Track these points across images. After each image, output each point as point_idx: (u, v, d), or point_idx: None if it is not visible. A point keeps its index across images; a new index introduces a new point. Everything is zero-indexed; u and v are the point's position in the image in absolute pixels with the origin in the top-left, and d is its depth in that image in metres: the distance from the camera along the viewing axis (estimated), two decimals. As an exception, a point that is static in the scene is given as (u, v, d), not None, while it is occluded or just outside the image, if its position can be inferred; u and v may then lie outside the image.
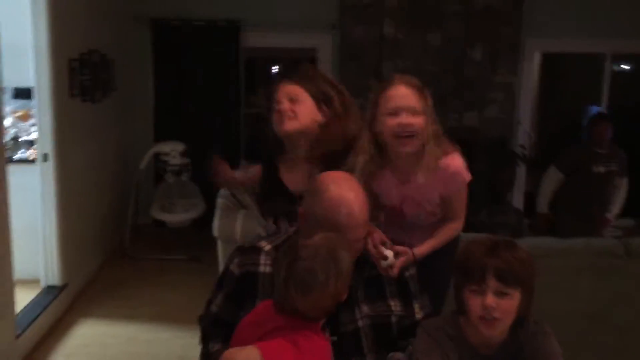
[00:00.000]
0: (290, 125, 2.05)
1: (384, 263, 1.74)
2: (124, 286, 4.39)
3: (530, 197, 5.88)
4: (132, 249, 4.98)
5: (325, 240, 1.49)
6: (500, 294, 1.52)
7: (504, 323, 1.56)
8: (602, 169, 4.54)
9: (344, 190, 1.62)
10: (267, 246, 1.71)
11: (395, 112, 1.90)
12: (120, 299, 4.17)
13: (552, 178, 4.70)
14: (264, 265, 1.68)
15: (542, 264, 2.85)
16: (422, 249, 1.96)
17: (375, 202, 1.87)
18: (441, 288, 2.00)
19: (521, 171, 5.82)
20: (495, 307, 1.52)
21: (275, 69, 6.79)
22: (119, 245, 5.03)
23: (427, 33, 5.52)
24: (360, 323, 1.67)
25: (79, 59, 4.15)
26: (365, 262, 1.74)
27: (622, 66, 6.56)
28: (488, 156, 5.65)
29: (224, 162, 2.40)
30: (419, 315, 1.75)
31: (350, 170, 1.88)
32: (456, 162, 2.00)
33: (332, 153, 2.03)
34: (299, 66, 2.19)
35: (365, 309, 1.69)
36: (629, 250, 2.90)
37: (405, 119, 1.89)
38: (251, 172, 2.40)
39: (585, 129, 4.84)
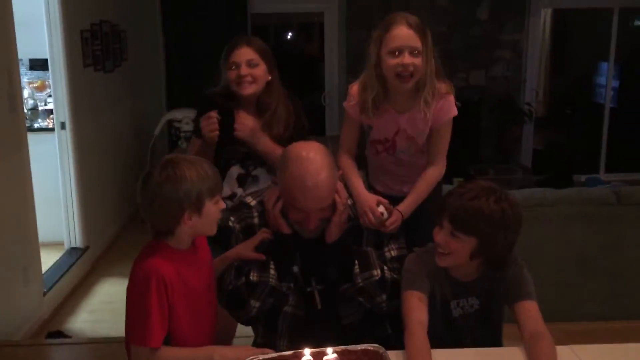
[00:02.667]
0: (249, 89, 2.26)
1: (377, 220, 1.89)
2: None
3: (538, 154, 5.96)
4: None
5: (184, 160, 1.56)
6: (452, 235, 1.67)
7: (454, 259, 1.70)
8: None
9: (306, 163, 1.71)
10: (252, 201, 1.91)
11: (397, 52, 1.98)
12: (140, 259, 4.37)
13: None
14: (257, 218, 1.87)
15: (536, 213, 3.01)
16: (407, 205, 2.06)
17: (366, 137, 1.98)
18: (426, 230, 2.14)
19: (529, 129, 5.88)
20: (443, 244, 1.69)
21: (289, 35, 6.85)
22: (137, 210, 5.21)
23: (433, -6, 5.54)
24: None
25: (90, 29, 4.29)
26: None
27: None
28: (495, 115, 5.72)
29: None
30: (393, 253, 1.87)
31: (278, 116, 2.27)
32: (449, 98, 2.08)
33: (275, 106, 2.31)
34: (251, 36, 2.48)
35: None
36: (620, 198, 3.00)
37: (406, 59, 1.97)
38: None
39: None
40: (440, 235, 1.69)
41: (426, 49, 2.00)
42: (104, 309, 3.68)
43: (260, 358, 1.44)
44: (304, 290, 1.81)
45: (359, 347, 1.48)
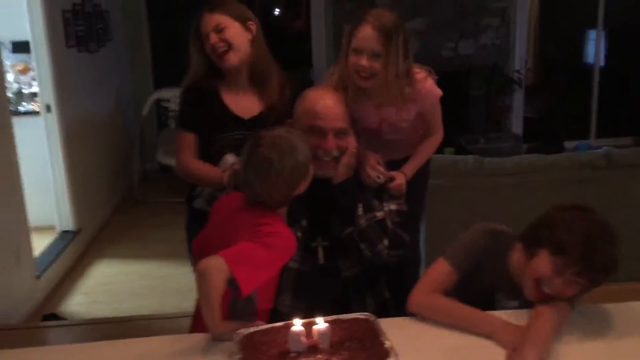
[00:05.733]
0: (232, 59, 2.07)
1: (379, 179, 1.91)
2: (135, 229, 4.59)
3: (529, 122, 5.95)
4: (141, 194, 5.16)
5: (285, 132, 1.64)
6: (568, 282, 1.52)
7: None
8: None
9: (322, 91, 1.93)
10: None
11: (358, 51, 1.99)
12: (133, 240, 4.38)
13: None
14: None
15: (527, 179, 3.01)
16: (410, 166, 2.14)
17: (354, 126, 1.97)
18: (419, 193, 2.26)
19: (519, 97, 5.85)
20: (557, 292, 1.53)
21: (276, 11, 6.76)
22: (129, 191, 5.21)
23: (420, -38, 5.47)
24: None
25: (72, 10, 4.21)
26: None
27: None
28: (484, 84, 5.69)
29: None
30: (392, 207, 1.90)
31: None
32: (426, 84, 2.09)
33: (268, 70, 2.14)
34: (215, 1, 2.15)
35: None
36: (610, 161, 3.00)
37: (364, 60, 1.97)
38: None
39: None
40: (557, 284, 1.51)
41: (394, 50, 1.97)
42: (99, 290, 3.69)
43: (252, 330, 1.44)
44: (309, 245, 1.84)
45: (350, 316, 1.48)
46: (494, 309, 1.65)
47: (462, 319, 1.55)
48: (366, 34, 1.97)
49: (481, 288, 1.66)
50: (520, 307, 1.64)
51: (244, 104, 2.15)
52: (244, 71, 2.13)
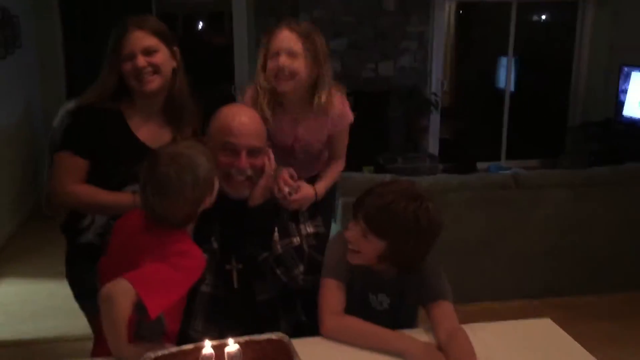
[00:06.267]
0: (153, 84, 1.87)
1: (292, 195, 1.88)
2: (42, 245, 4.33)
3: (445, 143, 6.16)
4: (51, 209, 4.90)
5: (185, 148, 1.57)
6: (363, 234, 1.63)
7: (363, 258, 1.66)
8: None
9: (237, 108, 1.87)
10: None
11: (276, 54, 2.00)
12: (40, 257, 4.13)
13: None
14: None
15: (442, 198, 3.10)
16: (321, 187, 2.14)
17: (268, 142, 1.96)
18: (327, 215, 2.29)
19: (435, 118, 6.05)
20: (353, 241, 1.65)
21: (200, 25, 6.69)
22: (37, 206, 4.94)
23: (341, -16, 5.57)
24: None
25: (-22, 13, 3.99)
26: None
27: (540, 16, 6.83)
28: (403, 105, 5.83)
29: None
30: (310, 229, 1.89)
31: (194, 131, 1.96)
32: (342, 103, 2.14)
33: (186, 104, 1.95)
34: (141, 15, 1.92)
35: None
36: (518, 182, 3.14)
37: (282, 60, 1.99)
38: None
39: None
40: (353, 232, 1.65)
41: (311, 52, 2.02)
42: (-2, 311, 3.46)
43: (159, 354, 1.38)
44: (222, 267, 1.78)
45: (263, 336, 1.44)
46: (371, 310, 1.73)
47: (375, 339, 1.56)
48: (283, 35, 2.01)
49: (356, 294, 1.72)
50: (389, 299, 1.72)
51: (154, 131, 1.93)
52: (159, 98, 1.94)
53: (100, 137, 1.87)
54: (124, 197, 1.84)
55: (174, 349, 1.40)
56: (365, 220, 1.62)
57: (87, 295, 1.87)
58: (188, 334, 1.73)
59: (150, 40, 1.85)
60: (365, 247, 1.64)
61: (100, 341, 1.57)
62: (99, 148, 1.86)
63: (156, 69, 1.86)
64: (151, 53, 1.85)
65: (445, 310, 1.63)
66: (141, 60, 1.83)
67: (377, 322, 1.63)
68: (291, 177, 1.92)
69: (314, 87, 2.05)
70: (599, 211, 3.33)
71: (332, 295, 1.68)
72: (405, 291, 1.72)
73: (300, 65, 2.00)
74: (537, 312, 3.08)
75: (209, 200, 1.61)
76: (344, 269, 1.70)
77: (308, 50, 2.01)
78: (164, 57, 1.88)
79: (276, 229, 1.80)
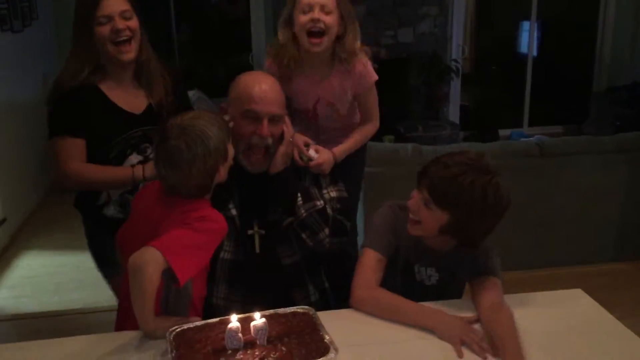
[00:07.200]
0: (132, 54, 1.90)
1: (311, 162, 1.87)
2: (66, 218, 4.36)
3: (465, 110, 6.07)
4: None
5: (194, 119, 1.54)
6: (425, 204, 1.57)
7: (423, 229, 1.60)
8: None
9: (257, 74, 1.89)
10: None
11: (308, 9, 1.98)
12: (64, 230, 4.17)
13: None
14: None
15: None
16: (340, 148, 2.08)
17: (288, 108, 1.93)
18: (355, 179, 2.24)
19: (456, 85, 5.95)
20: (414, 210, 1.59)
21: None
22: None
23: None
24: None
25: (-7, -14, 3.96)
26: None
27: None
28: (423, 72, 5.74)
29: None
30: (332, 194, 1.87)
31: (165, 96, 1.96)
32: (364, 63, 2.10)
33: (155, 69, 1.98)
34: None
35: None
36: (543, 150, 3.08)
37: (316, 14, 1.97)
38: None
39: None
40: (415, 201, 1.59)
41: (340, 8, 2.00)
42: (25, 283, 3.51)
43: (185, 327, 1.38)
44: (244, 233, 1.78)
45: (289, 310, 1.44)
46: (416, 282, 1.69)
47: (405, 314, 1.54)
48: None
49: (401, 265, 1.69)
50: (438, 274, 1.67)
51: (131, 99, 1.97)
52: (132, 65, 1.96)
53: (86, 116, 1.90)
54: (123, 172, 1.89)
55: (200, 323, 1.40)
56: (429, 191, 1.55)
57: (110, 265, 1.96)
58: (212, 302, 1.74)
59: (126, 5, 1.89)
60: (426, 217, 1.57)
61: (125, 314, 1.57)
62: (88, 127, 1.90)
63: (134, 33, 1.89)
64: (127, 18, 1.88)
65: (491, 283, 1.58)
66: (120, 22, 1.85)
67: (422, 297, 1.59)
68: (306, 144, 1.90)
69: (333, 47, 2.03)
70: (626, 177, 3.27)
71: (369, 267, 1.63)
72: (457, 267, 1.67)
73: (333, 21, 1.98)
74: (564, 281, 3.05)
75: (224, 169, 1.59)
76: (388, 242, 1.66)
77: (338, 8, 1.99)
78: (137, 23, 1.91)
79: (299, 194, 1.79)
